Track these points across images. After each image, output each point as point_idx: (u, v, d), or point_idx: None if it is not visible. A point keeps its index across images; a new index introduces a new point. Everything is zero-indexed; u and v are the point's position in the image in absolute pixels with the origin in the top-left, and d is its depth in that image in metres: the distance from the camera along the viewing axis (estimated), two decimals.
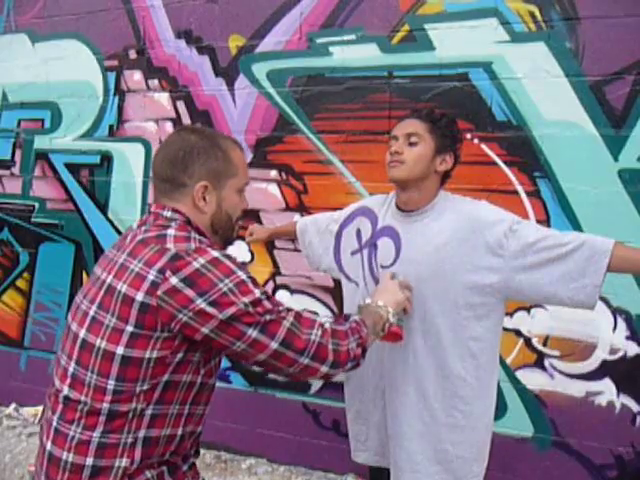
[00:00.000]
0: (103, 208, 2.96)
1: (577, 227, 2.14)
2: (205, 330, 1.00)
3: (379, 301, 1.30)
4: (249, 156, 2.62)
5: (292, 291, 2.62)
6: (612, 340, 2.17)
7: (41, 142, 3.05)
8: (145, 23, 2.76)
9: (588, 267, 1.30)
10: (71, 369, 1.05)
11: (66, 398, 1.04)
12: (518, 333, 2.29)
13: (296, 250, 2.46)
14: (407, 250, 1.46)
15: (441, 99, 2.26)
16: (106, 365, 1.01)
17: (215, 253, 1.04)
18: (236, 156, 1.18)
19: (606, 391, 2.20)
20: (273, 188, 2.60)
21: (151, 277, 1.00)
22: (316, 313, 1.18)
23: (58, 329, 3.14)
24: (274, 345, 1.04)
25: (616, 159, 2.08)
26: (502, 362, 2.29)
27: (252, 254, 2.68)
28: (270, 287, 2.66)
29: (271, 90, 2.54)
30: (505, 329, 2.21)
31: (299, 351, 1.06)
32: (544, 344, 2.27)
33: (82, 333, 1.05)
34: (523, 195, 2.21)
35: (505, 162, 2.22)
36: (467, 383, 1.44)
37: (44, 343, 3.18)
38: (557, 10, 2.10)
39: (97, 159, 2.94)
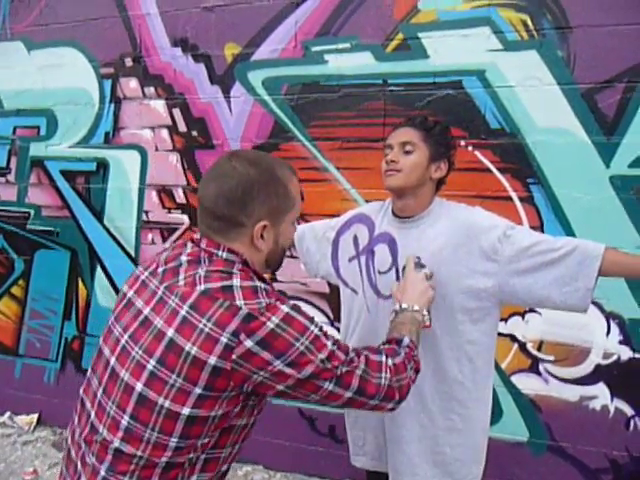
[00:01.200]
0: (99, 215, 2.96)
1: (570, 233, 2.16)
2: (281, 387, 0.98)
3: (415, 305, 1.28)
4: None
5: (288, 297, 2.62)
6: (605, 345, 2.19)
7: (37, 149, 3.05)
8: (141, 31, 2.78)
9: (580, 271, 1.32)
10: (125, 423, 0.98)
11: (118, 450, 0.99)
12: (513, 338, 2.31)
13: (292, 257, 2.46)
14: (403, 256, 1.47)
15: (435, 107, 2.28)
16: (169, 424, 0.96)
17: (286, 309, 0.99)
18: (294, 188, 1.11)
19: (600, 395, 2.22)
20: None
21: (224, 340, 0.93)
22: (379, 351, 1.13)
23: (53, 337, 3.13)
24: (348, 394, 1.04)
25: (608, 166, 2.11)
26: (497, 367, 2.30)
27: None
28: None
29: (267, 98, 2.56)
30: (500, 334, 2.23)
31: (371, 396, 1.06)
32: (538, 349, 2.29)
33: (139, 387, 0.98)
34: (517, 201, 2.23)
35: (499, 169, 2.24)
36: (464, 386, 1.45)
37: (39, 351, 3.17)
38: (549, 19, 2.13)
39: (93, 166, 2.94)
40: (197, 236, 1.10)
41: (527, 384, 2.31)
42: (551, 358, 2.27)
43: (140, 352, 1.00)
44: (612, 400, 2.21)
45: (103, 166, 2.92)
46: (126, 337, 1.04)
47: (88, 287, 3.03)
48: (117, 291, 2.97)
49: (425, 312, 1.29)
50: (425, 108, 2.28)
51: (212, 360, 0.94)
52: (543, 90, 2.15)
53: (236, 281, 1.00)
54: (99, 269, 2.99)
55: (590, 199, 2.13)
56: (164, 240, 2.84)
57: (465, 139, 2.26)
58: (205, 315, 0.96)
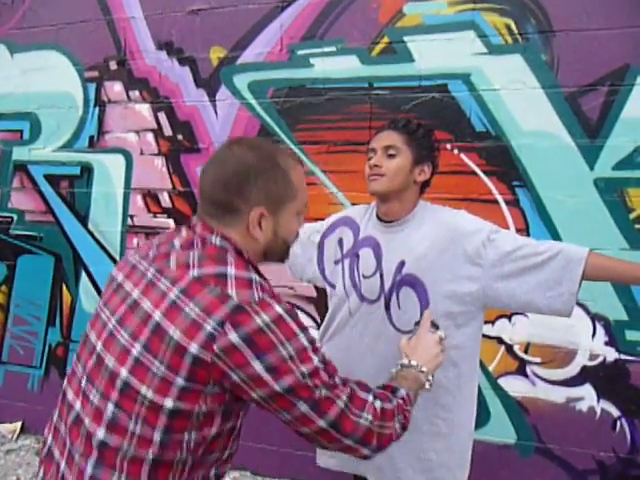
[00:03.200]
0: (83, 220, 2.93)
1: (555, 235, 2.18)
2: (255, 395, 0.93)
3: (423, 366, 1.19)
4: None
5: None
6: (591, 346, 2.21)
7: (20, 153, 3.02)
8: (126, 34, 2.76)
9: (564, 275, 1.32)
10: (109, 413, 0.94)
11: (103, 444, 0.94)
12: (500, 341, 2.31)
13: None
14: (388, 260, 1.47)
15: (421, 110, 2.29)
16: (153, 416, 0.92)
17: (279, 309, 0.93)
18: (297, 176, 1.06)
19: (587, 397, 2.23)
20: None
21: (209, 328, 0.89)
22: (368, 389, 1.05)
23: (37, 343, 3.08)
24: (321, 423, 0.96)
25: (592, 168, 2.13)
26: (484, 370, 2.31)
27: None
28: None
29: (252, 101, 2.55)
30: (487, 337, 2.25)
31: (345, 434, 0.98)
32: (525, 351, 2.30)
33: (123, 374, 0.94)
34: (502, 204, 2.24)
35: (484, 172, 2.25)
36: (449, 391, 1.44)
37: (22, 357, 3.12)
38: (532, 23, 2.15)
39: (77, 170, 2.91)
40: (193, 220, 1.06)
41: (514, 386, 2.32)
42: (538, 360, 2.28)
43: (126, 336, 0.95)
44: (598, 401, 2.22)
45: (87, 170, 2.89)
46: (113, 321, 1.00)
47: (72, 293, 3.00)
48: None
49: (430, 377, 1.20)
50: (411, 111, 2.29)
51: (193, 348, 0.89)
52: (527, 93, 2.17)
53: (231, 269, 0.96)
54: (84, 274, 2.96)
55: (575, 201, 2.15)
56: None
57: (451, 142, 2.26)
58: (193, 299, 0.92)
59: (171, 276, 0.96)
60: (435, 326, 1.29)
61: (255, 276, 0.98)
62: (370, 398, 1.02)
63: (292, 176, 1.04)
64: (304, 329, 0.96)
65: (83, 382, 1.01)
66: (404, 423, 1.07)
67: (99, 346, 1.00)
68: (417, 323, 1.33)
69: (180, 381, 0.90)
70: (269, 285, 1.00)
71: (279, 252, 1.10)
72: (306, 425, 0.97)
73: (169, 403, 0.91)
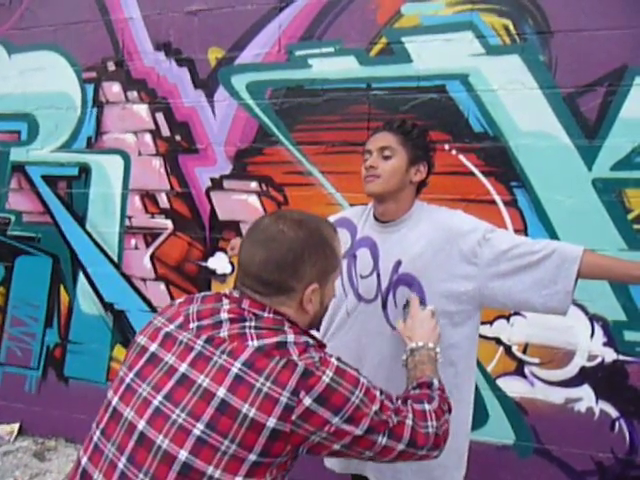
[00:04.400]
0: (81, 221, 2.92)
1: (553, 235, 2.18)
2: (337, 446, 0.94)
3: (429, 342, 1.27)
4: (229, 168, 2.62)
5: None
6: (590, 347, 2.20)
7: (17, 154, 3.01)
8: (124, 35, 2.76)
9: (559, 274, 1.32)
10: None
11: None
12: (498, 341, 2.31)
13: None
14: (384, 260, 1.47)
15: (419, 111, 2.28)
16: None
17: (335, 361, 0.97)
18: (339, 246, 1.11)
19: (585, 397, 2.23)
20: (253, 199, 2.60)
21: (284, 400, 0.89)
22: (420, 400, 1.11)
23: (34, 344, 3.08)
24: (401, 447, 1.00)
25: (590, 169, 2.12)
26: (483, 370, 2.30)
27: (233, 266, 2.67)
28: None
29: (250, 102, 2.55)
30: (485, 337, 2.25)
31: (420, 446, 1.04)
32: (524, 352, 2.29)
33: (182, 455, 0.88)
34: (500, 204, 2.24)
35: (482, 172, 2.25)
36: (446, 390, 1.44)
37: (20, 359, 3.12)
38: (530, 24, 2.15)
39: (75, 171, 2.91)
40: (235, 294, 1.04)
41: (513, 387, 2.31)
42: (536, 361, 2.28)
43: (183, 415, 0.90)
44: (597, 402, 2.22)
45: (85, 171, 2.89)
46: (160, 398, 0.93)
47: (70, 293, 2.99)
48: (100, 297, 2.93)
49: (438, 349, 1.29)
50: (409, 112, 2.29)
51: (271, 422, 0.88)
52: (526, 94, 2.17)
53: (290, 337, 0.96)
54: (81, 275, 2.95)
55: (573, 202, 2.15)
56: (147, 245, 2.81)
57: (449, 143, 2.26)
58: (262, 373, 0.90)
59: (228, 348, 0.94)
60: (423, 304, 1.38)
61: (309, 339, 1.00)
62: (426, 407, 1.08)
63: (336, 248, 1.09)
64: (358, 371, 1.01)
65: (121, 464, 0.92)
66: (449, 409, 1.16)
67: (142, 425, 0.93)
68: (405, 306, 1.41)
69: (253, 457, 0.88)
70: (318, 343, 1.02)
71: (321, 317, 1.13)
72: (387, 455, 1.00)
73: None
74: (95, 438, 0.99)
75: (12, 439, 3.08)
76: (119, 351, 2.92)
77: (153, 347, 1.01)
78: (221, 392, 0.90)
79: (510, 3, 2.16)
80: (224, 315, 0.99)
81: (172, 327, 1.02)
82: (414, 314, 1.35)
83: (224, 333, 0.96)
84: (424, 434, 1.04)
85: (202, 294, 1.09)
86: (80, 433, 2.96)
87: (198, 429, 0.88)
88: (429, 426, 1.05)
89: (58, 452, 2.99)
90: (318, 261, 1.03)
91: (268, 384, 0.89)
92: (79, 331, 2.99)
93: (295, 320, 1.03)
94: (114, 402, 1.00)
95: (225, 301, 1.03)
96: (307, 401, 0.89)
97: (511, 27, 2.17)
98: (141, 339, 1.05)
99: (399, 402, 1.05)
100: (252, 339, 0.94)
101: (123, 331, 2.90)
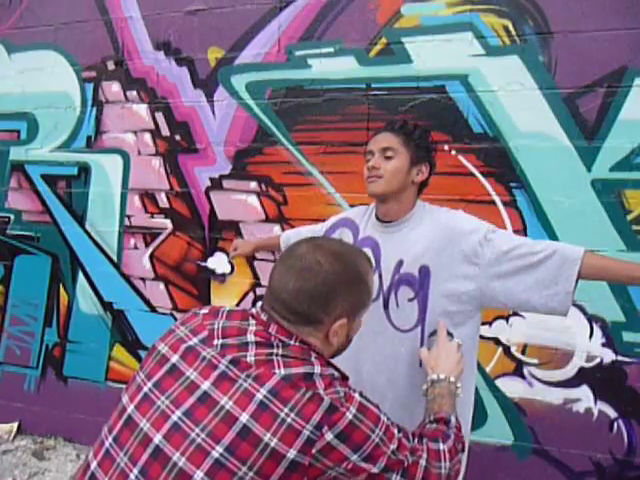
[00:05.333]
0: (80, 220, 2.92)
1: (553, 236, 2.18)
2: None
3: (451, 376, 1.26)
4: (228, 167, 2.62)
5: None
6: (589, 347, 2.21)
7: (17, 153, 3.01)
8: (123, 34, 2.76)
9: (560, 275, 1.32)
10: None
11: None
12: (497, 342, 2.31)
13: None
14: (386, 260, 1.47)
15: (418, 111, 2.29)
16: None
17: (358, 397, 0.96)
18: (371, 281, 1.09)
19: (584, 398, 2.23)
20: (253, 199, 2.60)
21: (307, 433, 0.88)
22: (436, 438, 1.09)
23: (34, 343, 3.08)
24: None
25: (589, 169, 2.13)
26: (482, 371, 2.31)
27: (232, 266, 2.67)
28: (250, 298, 2.65)
29: (250, 102, 2.55)
30: (484, 338, 2.25)
31: None
32: (522, 352, 2.30)
33: (198, 476, 0.87)
34: (500, 205, 2.24)
35: (482, 173, 2.25)
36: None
37: (19, 358, 3.12)
38: (530, 25, 2.15)
39: (74, 170, 2.91)
40: (263, 317, 1.03)
41: (511, 387, 2.32)
42: (535, 361, 2.28)
43: (203, 435, 0.89)
44: (595, 403, 2.22)
45: (85, 170, 2.89)
46: (179, 413, 0.92)
47: (69, 293, 2.99)
48: (99, 297, 2.93)
49: (459, 384, 1.28)
50: (409, 112, 2.29)
51: (292, 454, 0.87)
52: (525, 95, 2.17)
53: (317, 368, 0.95)
54: (81, 274, 2.96)
55: (572, 202, 2.15)
56: (147, 245, 2.81)
57: (448, 143, 2.26)
58: (287, 404, 0.89)
59: (254, 373, 0.93)
60: (450, 335, 1.36)
61: (334, 372, 0.99)
62: (441, 447, 1.07)
63: (369, 283, 1.07)
64: (378, 407, 1.00)
65: (133, 474, 0.91)
66: (462, 448, 1.15)
67: (158, 438, 0.92)
68: (432, 333, 1.40)
69: None
70: (342, 374, 1.02)
71: (344, 349, 1.12)
72: None
73: None
74: (107, 444, 0.97)
75: (11, 438, 3.08)
76: (118, 350, 2.92)
77: (174, 358, 0.99)
78: (244, 417, 0.89)
79: (510, 4, 2.17)
80: (250, 337, 0.98)
81: (195, 340, 1.00)
82: (441, 344, 1.33)
83: (251, 358, 0.95)
84: (436, 475, 1.03)
85: (228, 308, 1.08)
86: (79, 432, 2.97)
87: (217, 452, 0.87)
88: (442, 467, 1.05)
89: (57, 451, 3.00)
90: (350, 296, 1.03)
91: (292, 415, 0.89)
92: (78, 330, 2.99)
93: (320, 351, 1.02)
94: (129, 409, 0.98)
95: (252, 321, 1.02)
96: (329, 436, 0.89)
97: (511, 28, 2.18)
98: (162, 347, 1.03)
99: (415, 440, 1.05)
100: (279, 367, 0.93)
101: (122, 331, 2.91)
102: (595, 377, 2.21)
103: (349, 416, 0.92)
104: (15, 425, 3.13)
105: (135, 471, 0.91)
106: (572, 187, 2.15)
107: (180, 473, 0.88)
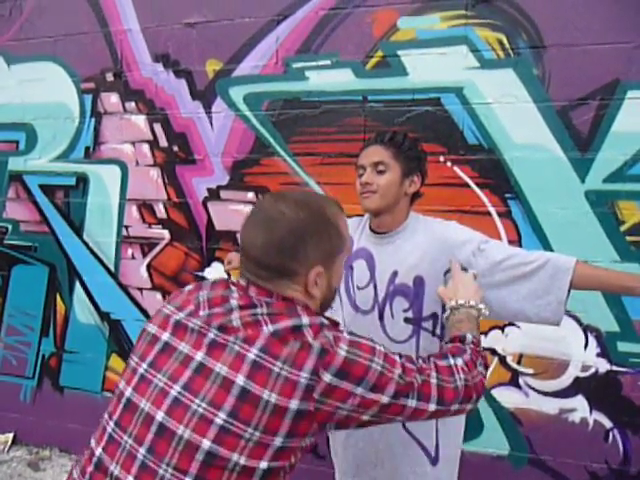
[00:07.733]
0: (78, 230, 2.93)
1: (547, 247, 2.20)
2: (366, 417, 0.94)
3: (470, 300, 1.25)
4: (226, 178, 2.63)
5: None
6: (584, 357, 2.22)
7: (15, 164, 3.02)
8: (122, 46, 2.78)
9: (552, 284, 1.34)
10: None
11: None
12: (493, 352, 2.32)
13: None
14: (380, 271, 1.48)
15: (414, 123, 2.31)
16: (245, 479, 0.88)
17: (347, 335, 0.96)
18: (344, 225, 1.06)
19: (579, 408, 2.24)
20: (250, 210, 2.61)
21: (304, 381, 0.88)
22: (445, 355, 1.09)
23: (30, 353, 3.07)
24: (432, 407, 0.99)
25: (583, 181, 2.15)
26: None
27: (229, 276, 2.68)
28: None
29: (248, 113, 2.57)
30: None
31: (451, 402, 1.02)
32: (518, 362, 2.31)
33: (206, 444, 0.87)
34: (495, 216, 2.26)
35: (477, 184, 2.27)
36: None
37: (15, 368, 3.11)
38: (524, 38, 2.18)
39: (73, 181, 2.92)
40: (242, 282, 1.01)
41: (507, 397, 2.32)
42: (530, 371, 2.29)
43: (204, 404, 0.89)
44: (591, 412, 2.23)
45: (83, 181, 2.90)
46: (178, 388, 0.92)
47: (67, 303, 2.99)
48: (96, 307, 2.93)
49: (481, 305, 1.26)
50: (404, 124, 2.31)
51: (294, 404, 0.88)
52: (519, 107, 2.19)
53: (305, 319, 0.95)
54: (78, 285, 2.96)
55: (566, 214, 2.17)
56: (144, 255, 2.82)
57: (444, 155, 2.29)
58: (279, 358, 0.89)
59: (243, 335, 0.92)
60: (464, 269, 1.36)
61: (323, 320, 0.98)
62: (452, 361, 1.07)
63: (341, 228, 1.04)
64: (372, 340, 0.99)
65: (140, 454, 0.91)
66: (484, 363, 1.13)
67: (160, 416, 0.92)
68: (447, 272, 1.40)
69: (278, 441, 0.88)
70: (332, 321, 1.01)
71: (331, 300, 1.10)
72: (420, 416, 1.00)
73: (264, 465, 0.88)
74: (109, 429, 0.97)
75: (6, 449, 3.07)
76: (115, 361, 2.92)
77: (165, 336, 0.99)
78: (240, 380, 0.89)
79: (504, 18, 2.20)
80: (234, 303, 0.97)
81: (182, 315, 1.00)
82: (456, 276, 1.33)
83: (237, 321, 0.94)
84: (452, 389, 1.02)
85: (211, 281, 1.08)
86: (75, 443, 2.96)
87: (220, 418, 0.88)
88: (457, 379, 1.03)
89: (52, 462, 2.98)
90: (321, 242, 0.99)
91: (286, 367, 0.89)
92: (75, 340, 2.99)
93: (304, 304, 1.00)
94: (128, 393, 0.98)
95: (233, 288, 1.01)
96: (327, 377, 0.89)
97: (505, 41, 2.21)
98: (151, 328, 1.03)
99: (420, 361, 1.03)
100: (266, 324, 0.93)
101: (119, 341, 2.90)
102: (590, 387, 2.22)
103: (342, 353, 0.91)
104: (10, 436, 3.12)
105: (142, 450, 0.91)
106: (566, 198, 2.17)
107: (188, 445, 0.88)
